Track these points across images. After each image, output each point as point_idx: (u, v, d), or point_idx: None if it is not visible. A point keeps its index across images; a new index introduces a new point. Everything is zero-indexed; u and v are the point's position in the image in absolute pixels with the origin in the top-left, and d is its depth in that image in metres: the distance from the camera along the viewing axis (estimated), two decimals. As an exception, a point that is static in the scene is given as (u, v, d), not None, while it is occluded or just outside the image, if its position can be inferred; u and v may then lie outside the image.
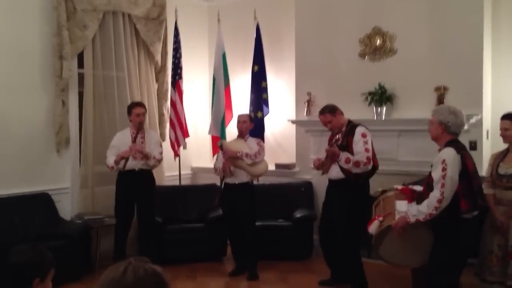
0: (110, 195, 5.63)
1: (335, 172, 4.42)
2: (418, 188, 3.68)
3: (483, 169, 4.86)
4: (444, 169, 3.24)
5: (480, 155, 4.99)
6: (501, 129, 3.83)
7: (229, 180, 5.07)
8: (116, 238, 5.23)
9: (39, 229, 4.92)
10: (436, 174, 3.28)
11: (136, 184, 5.14)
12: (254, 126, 5.31)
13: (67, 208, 5.44)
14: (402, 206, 3.52)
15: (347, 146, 4.34)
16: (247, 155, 4.89)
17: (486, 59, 5.12)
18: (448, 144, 3.39)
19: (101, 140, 5.65)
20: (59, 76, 5.28)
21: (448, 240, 3.31)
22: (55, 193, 5.30)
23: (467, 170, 3.32)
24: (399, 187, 3.83)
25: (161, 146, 5.34)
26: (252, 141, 5.09)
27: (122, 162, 5.01)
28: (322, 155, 4.58)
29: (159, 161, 5.25)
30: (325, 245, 4.65)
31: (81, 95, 5.60)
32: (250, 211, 5.03)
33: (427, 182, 3.43)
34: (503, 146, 3.92)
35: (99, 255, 5.26)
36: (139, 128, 5.16)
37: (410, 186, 3.77)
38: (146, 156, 5.07)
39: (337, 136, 4.47)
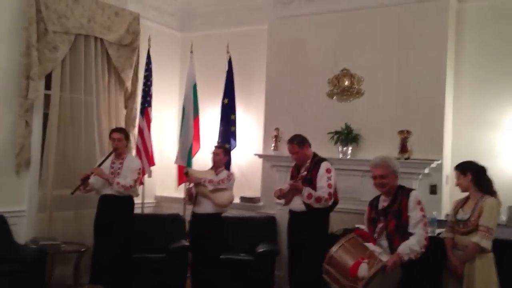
0: (68, 220, 5.54)
1: (297, 203, 4.50)
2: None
3: (442, 213, 5.03)
4: (422, 209, 3.56)
5: (440, 199, 5.16)
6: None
7: (196, 209, 5.05)
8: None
9: (-9, 252, 4.72)
10: (416, 215, 3.53)
11: (106, 210, 5.06)
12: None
13: (23, 232, 5.24)
14: (371, 247, 3.59)
15: (311, 179, 4.43)
16: (210, 181, 4.90)
17: (448, 108, 5.35)
18: (405, 188, 3.72)
19: (63, 164, 5.54)
20: (24, 96, 5.15)
21: (418, 276, 3.53)
22: (11, 215, 5.10)
23: None
24: (362, 227, 3.91)
25: (138, 173, 5.16)
26: (224, 174, 5.08)
27: (83, 183, 5.00)
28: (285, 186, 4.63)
29: (126, 188, 5.00)
30: (292, 281, 4.62)
31: (46, 117, 5.49)
32: (213, 243, 4.97)
33: (397, 225, 3.56)
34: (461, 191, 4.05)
35: (53, 282, 5.07)
36: (117, 154, 5.14)
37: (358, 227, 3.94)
38: (108, 181, 4.99)
39: (302, 170, 4.53)
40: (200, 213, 5.02)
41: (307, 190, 4.36)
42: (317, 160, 4.54)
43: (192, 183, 5.02)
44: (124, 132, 5.28)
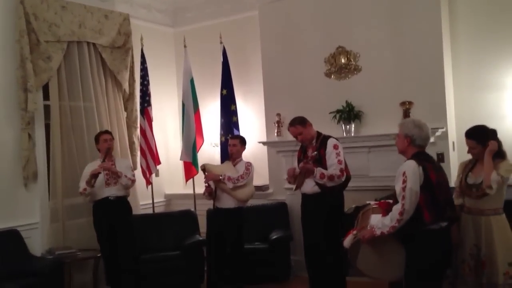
0: (82, 228, 5.55)
1: (310, 186, 4.43)
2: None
3: (452, 180, 4.97)
4: (404, 181, 3.26)
5: (448, 167, 5.10)
6: (468, 147, 3.88)
7: (218, 204, 4.97)
8: (106, 271, 5.24)
9: (8, 267, 4.73)
10: (397, 187, 3.32)
11: (112, 213, 5.07)
12: (225, 150, 5.29)
13: (38, 243, 5.27)
14: (375, 219, 3.53)
15: (320, 159, 4.37)
16: (229, 178, 4.81)
17: (447, 74, 5.29)
18: (412, 157, 3.44)
19: (71, 172, 5.55)
20: (24, 109, 5.17)
21: (416, 253, 3.32)
22: (24, 228, 5.13)
23: (430, 181, 3.32)
24: (372, 202, 3.87)
25: (132, 170, 5.29)
26: (242, 165, 4.99)
27: (93, 180, 4.96)
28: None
29: (133, 181, 5.16)
30: (310, 262, 4.57)
31: (48, 127, 5.51)
32: (237, 237, 4.93)
33: (394, 196, 3.48)
34: (469, 156, 3.99)
35: (72, 290, 5.12)
36: (107, 155, 5.12)
37: (387, 200, 3.81)
38: (116, 175, 5.03)
39: (310, 151, 4.46)
40: (222, 208, 4.94)
41: (319, 171, 4.30)
42: (323, 138, 4.49)
43: (208, 180, 4.90)
44: (111, 133, 5.35)
